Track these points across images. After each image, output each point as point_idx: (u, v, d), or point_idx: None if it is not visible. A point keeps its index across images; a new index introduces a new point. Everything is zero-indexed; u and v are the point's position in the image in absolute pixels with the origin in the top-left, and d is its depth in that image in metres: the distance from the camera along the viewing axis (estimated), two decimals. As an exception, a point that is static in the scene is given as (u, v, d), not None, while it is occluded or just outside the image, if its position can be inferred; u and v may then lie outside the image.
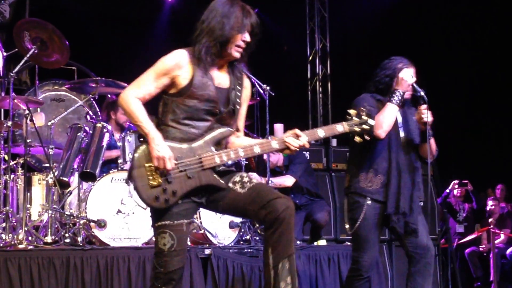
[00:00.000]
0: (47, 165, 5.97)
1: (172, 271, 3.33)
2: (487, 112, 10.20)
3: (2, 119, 6.88)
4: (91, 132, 5.84)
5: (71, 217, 5.47)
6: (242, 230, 6.04)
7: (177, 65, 3.32)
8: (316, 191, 6.88)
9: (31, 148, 6.05)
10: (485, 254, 9.16)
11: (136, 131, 5.91)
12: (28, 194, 5.76)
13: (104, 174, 5.58)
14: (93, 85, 5.96)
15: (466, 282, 8.96)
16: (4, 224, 5.22)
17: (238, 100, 3.44)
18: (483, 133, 10.25)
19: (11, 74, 5.46)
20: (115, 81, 5.99)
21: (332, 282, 5.77)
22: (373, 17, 10.05)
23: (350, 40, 10.43)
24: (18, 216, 5.58)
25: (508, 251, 8.96)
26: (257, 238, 6.34)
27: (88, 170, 5.61)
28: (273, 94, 6.75)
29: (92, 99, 6.42)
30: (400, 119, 4.34)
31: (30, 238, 5.31)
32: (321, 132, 3.46)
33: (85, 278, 4.77)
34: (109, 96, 6.70)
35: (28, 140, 5.77)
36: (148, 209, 3.41)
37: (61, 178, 5.64)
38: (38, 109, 6.30)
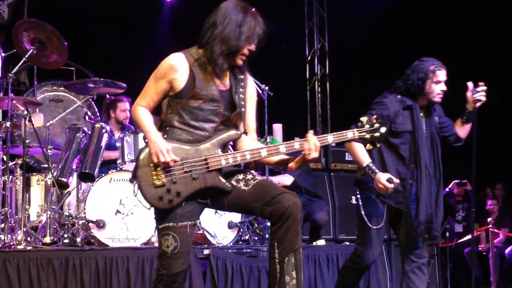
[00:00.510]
0: (45, 165, 5.98)
1: (175, 273, 3.32)
2: (486, 112, 10.19)
3: (1, 119, 6.88)
4: (89, 132, 5.85)
5: (70, 218, 5.47)
6: (241, 230, 6.04)
7: (172, 68, 3.32)
8: (314, 191, 6.88)
9: (29, 149, 6.05)
10: (484, 253, 9.16)
11: (135, 132, 5.92)
12: (27, 194, 5.75)
13: (103, 175, 5.58)
14: (92, 86, 5.96)
15: (465, 282, 8.95)
16: (2, 225, 5.22)
17: (242, 102, 3.43)
18: (482, 132, 10.24)
19: (10, 74, 5.46)
20: (114, 81, 5.99)
21: (331, 282, 5.76)
22: (372, 17, 10.04)
23: (349, 40, 10.43)
24: (16, 216, 5.58)
25: (507, 251, 8.96)
26: (256, 238, 6.35)
27: (87, 171, 5.61)
28: (271, 94, 6.76)
29: (90, 100, 6.43)
30: (423, 122, 4.34)
31: (28, 238, 5.31)
32: (330, 138, 3.42)
33: (84, 279, 4.77)
34: (107, 96, 6.70)
35: (27, 141, 5.76)
36: (152, 209, 3.39)
37: (59, 178, 5.64)
38: (37, 110, 6.29)
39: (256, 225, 6.48)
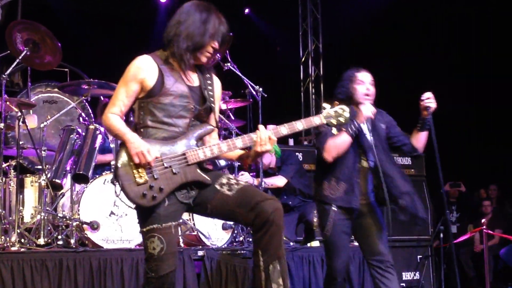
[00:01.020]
0: (39, 167, 5.96)
1: (163, 275, 3.31)
2: (482, 113, 10.21)
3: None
4: (83, 134, 5.84)
5: (64, 219, 5.46)
6: (235, 232, 6.04)
7: (139, 68, 3.37)
8: (308, 192, 6.88)
9: (23, 150, 6.04)
10: (478, 253, 9.18)
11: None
12: (21, 196, 5.73)
13: (97, 176, 5.58)
14: (86, 87, 5.96)
15: (460, 282, 8.97)
16: (-4, 227, 5.21)
17: (212, 99, 3.49)
18: (476, 134, 10.26)
19: (3, 76, 5.44)
20: (108, 82, 5.98)
21: (325, 283, 5.77)
22: (366, 18, 10.05)
23: (343, 41, 10.43)
24: (10, 218, 5.57)
25: (501, 251, 8.98)
26: (250, 240, 6.34)
27: (81, 172, 5.61)
28: (265, 95, 6.76)
29: (84, 101, 6.41)
30: (366, 127, 4.34)
31: (22, 240, 5.30)
32: (300, 125, 3.49)
33: (78, 280, 4.77)
34: (102, 98, 6.69)
35: (21, 142, 5.76)
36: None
37: (53, 180, 5.63)
38: (31, 111, 6.28)
39: (249, 227, 6.47)
